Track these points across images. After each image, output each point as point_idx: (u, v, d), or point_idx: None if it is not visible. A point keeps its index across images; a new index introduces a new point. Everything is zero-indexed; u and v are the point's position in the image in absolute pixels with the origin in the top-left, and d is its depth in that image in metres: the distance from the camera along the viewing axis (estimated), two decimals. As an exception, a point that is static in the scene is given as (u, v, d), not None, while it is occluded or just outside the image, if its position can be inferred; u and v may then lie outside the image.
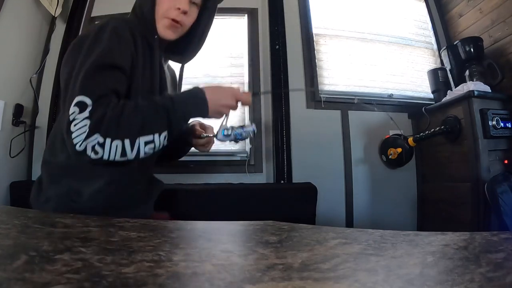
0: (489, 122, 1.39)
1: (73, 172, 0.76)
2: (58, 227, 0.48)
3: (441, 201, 1.59)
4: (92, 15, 1.83)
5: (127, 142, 0.65)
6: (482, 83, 1.52)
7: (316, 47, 1.85)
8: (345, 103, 1.78)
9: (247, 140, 1.69)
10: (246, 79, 1.77)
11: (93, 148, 0.64)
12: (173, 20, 0.80)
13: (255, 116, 1.70)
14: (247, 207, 1.37)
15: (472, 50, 1.65)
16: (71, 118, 0.64)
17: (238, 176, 1.62)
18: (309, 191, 1.44)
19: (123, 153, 0.66)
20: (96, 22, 0.78)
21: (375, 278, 0.28)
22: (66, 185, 0.76)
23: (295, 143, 1.67)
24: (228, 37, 1.84)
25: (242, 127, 0.85)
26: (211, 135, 0.92)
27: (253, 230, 0.55)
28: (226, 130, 0.83)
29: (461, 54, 1.69)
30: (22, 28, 1.55)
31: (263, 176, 1.66)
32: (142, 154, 0.68)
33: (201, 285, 0.26)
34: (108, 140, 0.64)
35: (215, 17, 0.99)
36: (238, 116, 1.73)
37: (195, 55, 0.94)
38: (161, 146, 0.70)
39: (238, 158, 1.68)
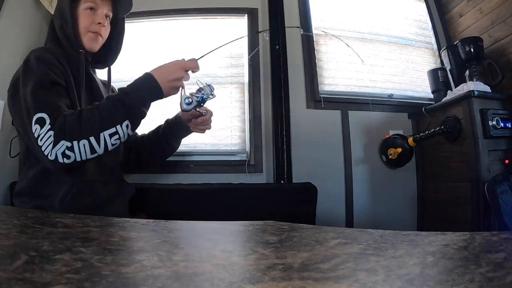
0: (489, 122, 1.39)
1: (36, 192, 0.83)
2: (58, 227, 0.48)
3: (441, 201, 1.59)
4: (92, 15, 1.83)
5: (92, 139, 0.72)
6: (482, 83, 1.52)
7: (316, 47, 1.85)
8: (345, 103, 1.78)
9: (247, 141, 1.69)
10: (246, 79, 1.77)
11: (63, 154, 0.70)
12: (96, 33, 0.92)
13: (255, 116, 1.70)
14: (247, 207, 1.37)
15: (472, 50, 1.65)
16: (35, 135, 0.71)
17: (238, 176, 1.62)
18: (309, 191, 1.44)
19: (92, 150, 0.72)
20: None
21: (375, 278, 0.28)
22: (36, 203, 0.82)
23: (295, 143, 1.67)
24: (228, 37, 1.84)
25: (200, 90, 0.88)
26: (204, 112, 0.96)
27: (253, 230, 0.55)
28: (187, 99, 0.86)
29: (461, 54, 1.69)
30: (22, 28, 1.55)
31: (263, 176, 1.66)
32: (110, 146, 0.75)
33: (201, 285, 0.26)
34: (75, 143, 0.70)
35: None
36: (238, 117, 1.73)
37: (115, 59, 1.05)
38: (126, 136, 0.77)
39: (238, 158, 1.68)
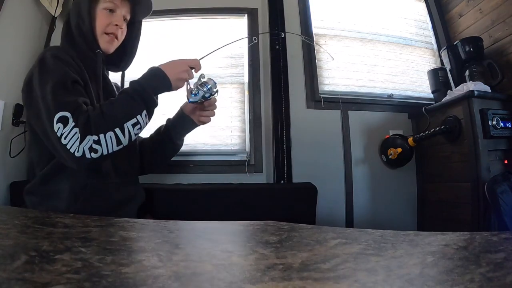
0: (489, 122, 1.39)
1: (48, 192, 0.84)
2: (58, 227, 0.48)
3: (441, 201, 1.59)
4: (92, 15, 1.83)
5: (118, 130, 0.74)
6: (482, 83, 1.52)
7: (316, 47, 1.85)
8: (345, 103, 1.78)
9: (247, 141, 1.69)
10: (246, 79, 1.77)
11: (90, 148, 0.71)
12: (112, 34, 0.92)
13: (255, 116, 1.70)
14: (247, 207, 1.37)
15: (472, 50, 1.65)
16: (58, 134, 0.70)
17: (238, 176, 1.62)
18: (309, 191, 1.44)
19: (118, 141, 0.74)
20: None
21: (375, 278, 0.28)
22: (48, 203, 0.83)
23: (295, 143, 1.67)
24: (228, 37, 1.84)
25: (204, 83, 0.94)
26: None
27: (253, 230, 0.55)
28: (193, 91, 0.92)
29: (461, 54, 1.69)
30: (22, 28, 1.55)
31: (263, 176, 1.66)
32: (133, 136, 0.78)
33: (201, 285, 0.26)
34: (101, 136, 0.72)
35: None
36: (238, 117, 1.74)
37: (130, 63, 1.07)
38: (145, 124, 0.81)
39: (238, 158, 1.68)
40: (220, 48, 1.08)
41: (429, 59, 2.00)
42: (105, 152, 0.73)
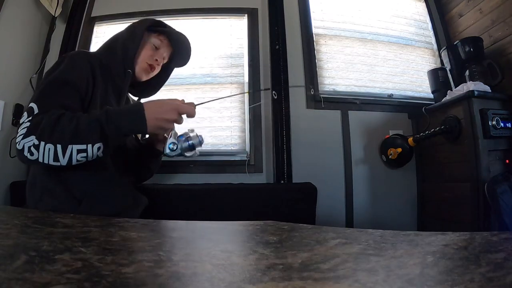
0: (489, 122, 1.39)
1: (49, 190, 0.83)
2: (58, 227, 0.48)
3: (441, 201, 1.59)
4: (92, 15, 1.83)
5: (59, 147, 0.70)
6: (482, 83, 1.52)
7: (316, 47, 1.85)
8: (345, 103, 1.78)
9: (247, 141, 1.69)
10: (246, 79, 1.77)
11: (29, 149, 0.70)
12: (150, 66, 1.00)
13: (255, 116, 1.70)
14: (247, 207, 1.37)
15: (472, 50, 1.65)
16: (20, 121, 0.73)
17: (238, 176, 1.62)
18: (309, 191, 1.44)
19: (56, 158, 0.71)
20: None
21: (375, 278, 0.28)
22: (52, 203, 0.81)
23: (295, 143, 1.67)
24: (228, 37, 1.84)
25: (188, 138, 0.85)
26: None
27: (253, 230, 0.55)
28: (172, 144, 0.83)
29: (461, 54, 1.69)
30: (22, 28, 1.55)
31: (263, 176, 1.66)
32: (74, 161, 0.73)
33: (201, 285, 0.26)
34: (42, 143, 0.70)
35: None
36: (238, 117, 1.74)
37: (150, 96, 1.14)
38: (94, 156, 0.75)
39: (238, 158, 1.68)
40: (220, 99, 1.08)
41: (429, 59, 2.00)
42: (40, 160, 0.70)
